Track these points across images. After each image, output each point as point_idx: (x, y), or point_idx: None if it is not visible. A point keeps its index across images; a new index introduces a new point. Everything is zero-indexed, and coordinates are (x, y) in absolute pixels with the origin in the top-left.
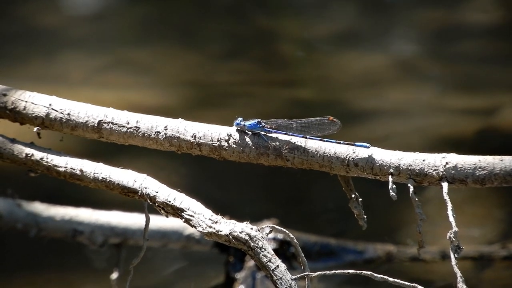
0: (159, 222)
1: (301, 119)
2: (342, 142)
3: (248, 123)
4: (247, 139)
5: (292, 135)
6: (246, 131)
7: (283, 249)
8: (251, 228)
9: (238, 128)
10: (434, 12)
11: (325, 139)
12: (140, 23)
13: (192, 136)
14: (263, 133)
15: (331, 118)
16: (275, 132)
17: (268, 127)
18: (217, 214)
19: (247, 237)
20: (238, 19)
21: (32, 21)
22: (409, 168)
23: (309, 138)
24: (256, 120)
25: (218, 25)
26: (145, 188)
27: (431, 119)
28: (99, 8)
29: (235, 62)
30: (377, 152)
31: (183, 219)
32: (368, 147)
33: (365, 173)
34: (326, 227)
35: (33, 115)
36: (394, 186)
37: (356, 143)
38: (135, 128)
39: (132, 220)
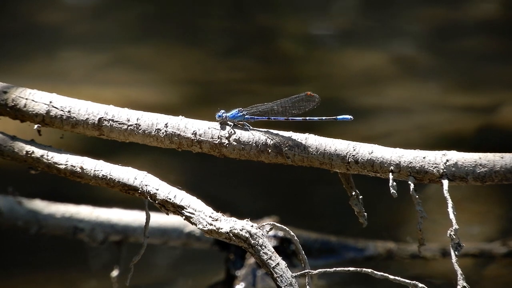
0: (159, 219)
1: (280, 99)
2: (324, 118)
3: (229, 113)
4: (248, 137)
5: (274, 119)
6: (229, 122)
7: (283, 247)
8: (252, 226)
9: (220, 121)
10: (435, 9)
11: (308, 118)
12: (141, 20)
13: (192, 134)
14: (246, 123)
15: (308, 93)
16: (257, 119)
17: (250, 114)
18: (217, 211)
19: (247, 235)
20: (239, 16)
21: (32, 18)
22: (410, 165)
23: (292, 119)
24: (237, 109)
25: (219, 22)
26: (146, 185)
27: (432, 117)
28: (100, 5)
29: (236, 59)
30: (377, 150)
31: (184, 217)
32: (351, 119)
33: (365, 171)
34: (326, 224)
35: (34, 112)
36: (394, 183)
37: (337, 117)
38: (135, 125)
39: (133, 217)
